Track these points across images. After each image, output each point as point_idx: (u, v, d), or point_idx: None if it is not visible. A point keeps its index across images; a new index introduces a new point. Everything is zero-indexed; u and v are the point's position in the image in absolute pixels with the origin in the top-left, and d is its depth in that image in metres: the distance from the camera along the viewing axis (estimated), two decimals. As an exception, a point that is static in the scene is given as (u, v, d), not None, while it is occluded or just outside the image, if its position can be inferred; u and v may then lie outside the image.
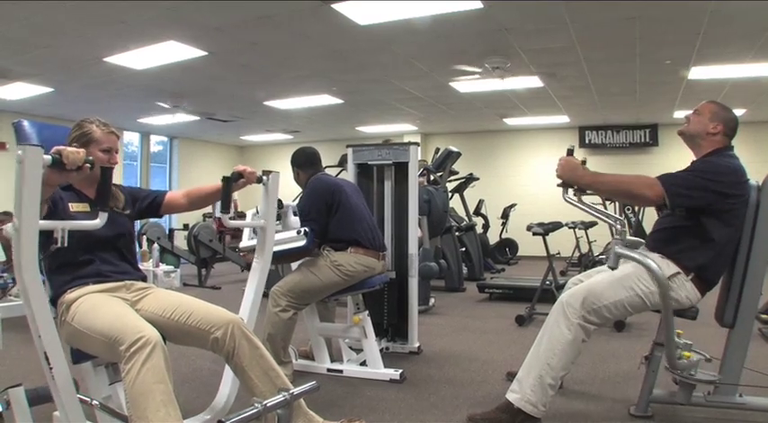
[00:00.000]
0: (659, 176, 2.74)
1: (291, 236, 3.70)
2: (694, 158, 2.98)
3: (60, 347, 2.05)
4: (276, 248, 3.66)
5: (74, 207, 2.45)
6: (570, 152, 2.97)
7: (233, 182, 2.56)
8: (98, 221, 2.14)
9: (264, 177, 2.70)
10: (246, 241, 3.93)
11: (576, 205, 3.03)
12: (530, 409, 2.80)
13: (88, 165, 1.98)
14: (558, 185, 2.96)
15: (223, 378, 2.69)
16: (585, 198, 3.07)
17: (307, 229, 3.66)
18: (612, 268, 2.76)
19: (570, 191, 2.97)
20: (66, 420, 2.11)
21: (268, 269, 2.82)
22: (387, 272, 4.25)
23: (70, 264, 2.41)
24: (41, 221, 1.93)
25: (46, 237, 2.06)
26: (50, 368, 2.03)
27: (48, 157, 1.88)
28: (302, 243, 3.67)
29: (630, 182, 2.85)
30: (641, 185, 2.77)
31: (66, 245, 2.03)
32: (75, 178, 2.08)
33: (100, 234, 2.39)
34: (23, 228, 1.85)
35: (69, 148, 1.94)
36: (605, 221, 3.30)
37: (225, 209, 2.53)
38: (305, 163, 4.11)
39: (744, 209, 2.82)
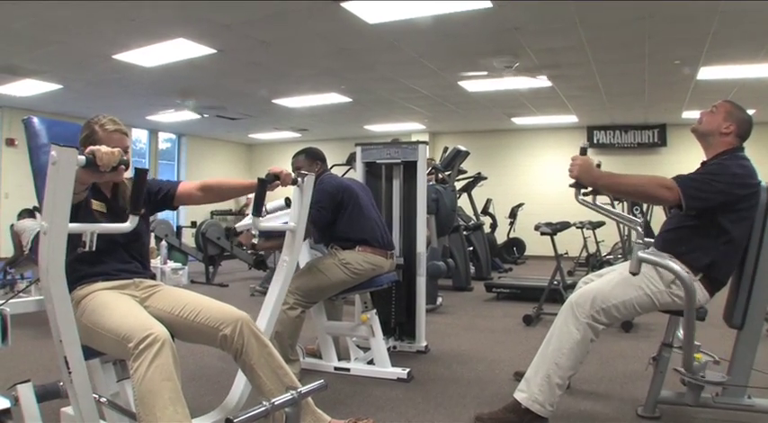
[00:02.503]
0: (675, 178, 2.73)
1: (279, 205, 3.66)
2: (704, 158, 2.97)
3: (81, 352, 2.02)
4: (268, 224, 3.59)
5: (94, 204, 2.44)
6: (584, 151, 2.90)
7: (268, 183, 2.52)
8: (128, 224, 2.10)
9: (299, 179, 2.68)
10: (245, 220, 3.89)
11: (589, 206, 3.03)
12: (537, 408, 2.80)
13: (123, 166, 1.97)
14: (571, 186, 2.91)
15: (236, 378, 2.67)
16: (589, 197, 3.06)
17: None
18: (634, 274, 2.72)
19: (582, 192, 2.94)
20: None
21: (293, 270, 2.79)
22: (394, 270, 4.25)
23: (81, 261, 2.40)
24: (71, 224, 1.86)
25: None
26: (69, 372, 2.02)
27: (82, 158, 1.83)
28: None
29: (648, 183, 2.80)
30: (658, 187, 2.73)
31: (94, 249, 1.98)
32: (110, 178, 2.09)
33: (114, 234, 2.38)
34: (53, 230, 1.79)
35: (104, 148, 1.91)
36: (623, 223, 3.26)
37: (257, 212, 2.56)
38: (323, 159, 4.13)
39: (754, 210, 2.81)
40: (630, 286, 2.85)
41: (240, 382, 2.65)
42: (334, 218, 3.86)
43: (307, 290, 3.72)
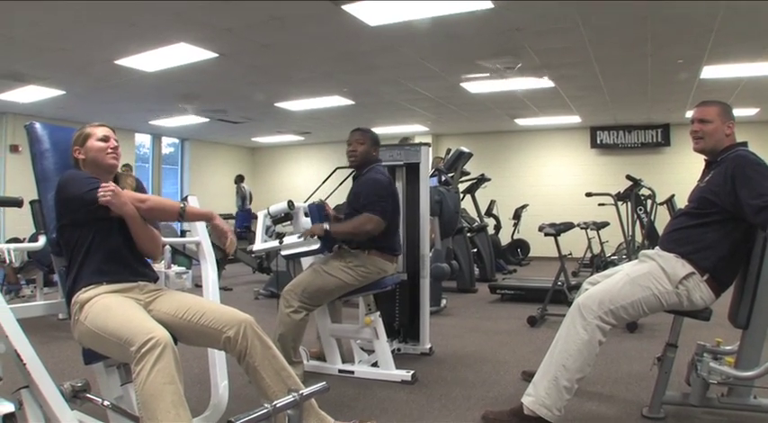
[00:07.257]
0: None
1: (282, 208, 3.83)
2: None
3: (28, 342, 2.09)
4: (292, 251, 3.76)
5: None
6: None
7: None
8: (39, 244, 2.37)
9: (183, 203, 2.84)
10: (260, 244, 3.94)
11: None
12: (544, 412, 2.78)
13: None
14: None
15: (211, 378, 2.69)
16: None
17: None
18: None
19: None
20: (51, 412, 2.14)
21: (217, 276, 3.03)
22: (398, 273, 4.24)
23: (85, 262, 2.42)
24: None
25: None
26: (24, 364, 2.07)
27: None
28: (316, 246, 3.71)
29: None
30: None
31: (13, 261, 2.22)
32: None
33: (119, 234, 2.50)
34: None
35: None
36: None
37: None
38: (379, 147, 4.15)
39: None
40: (638, 287, 2.84)
41: (216, 383, 2.69)
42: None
43: (312, 292, 3.71)
